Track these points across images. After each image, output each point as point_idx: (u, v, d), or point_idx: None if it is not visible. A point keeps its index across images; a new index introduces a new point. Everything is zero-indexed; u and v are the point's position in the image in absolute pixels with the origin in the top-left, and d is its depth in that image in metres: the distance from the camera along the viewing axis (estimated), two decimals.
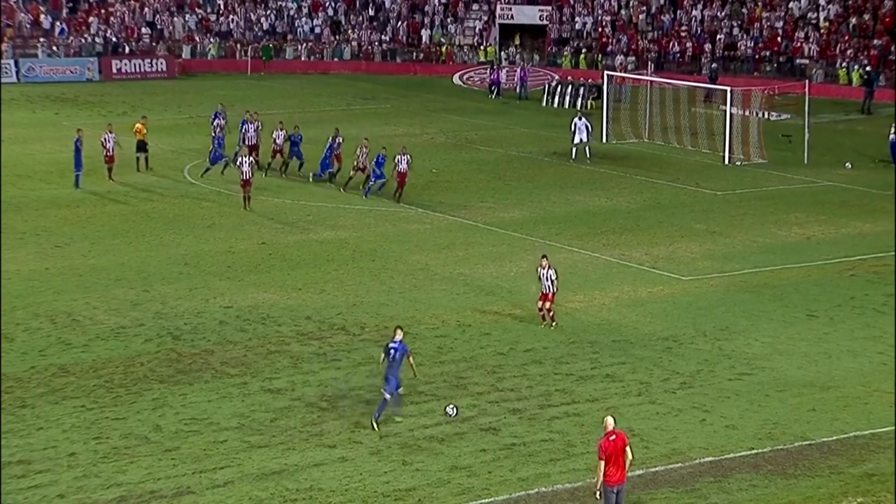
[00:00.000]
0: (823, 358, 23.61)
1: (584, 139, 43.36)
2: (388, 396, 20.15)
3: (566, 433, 19.87)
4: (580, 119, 43.91)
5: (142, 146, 40.30)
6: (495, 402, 21.27)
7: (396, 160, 36.27)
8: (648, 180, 40.36)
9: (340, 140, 38.85)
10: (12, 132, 46.84)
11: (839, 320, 25.87)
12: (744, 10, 66.31)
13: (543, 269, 25.29)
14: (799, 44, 63.21)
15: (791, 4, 65.38)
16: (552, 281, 25.22)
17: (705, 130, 46.95)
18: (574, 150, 43.40)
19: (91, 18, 66.75)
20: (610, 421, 16.39)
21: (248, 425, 20.07)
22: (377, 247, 31.61)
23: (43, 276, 28.41)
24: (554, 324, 25.28)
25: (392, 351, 20.26)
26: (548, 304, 25.39)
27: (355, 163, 37.33)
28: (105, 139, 38.55)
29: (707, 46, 64.79)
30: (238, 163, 35.77)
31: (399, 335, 20.34)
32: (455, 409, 20.53)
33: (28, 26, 66.01)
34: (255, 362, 23.06)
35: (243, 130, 40.49)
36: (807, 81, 49.74)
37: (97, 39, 65.64)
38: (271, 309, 26.23)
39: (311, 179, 38.84)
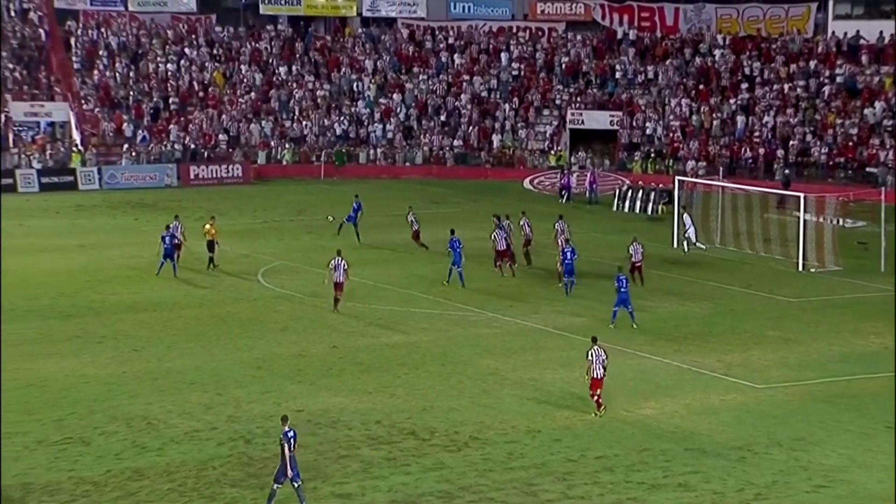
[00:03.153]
0: None
1: (692, 235, 45.66)
2: (299, 483, 20.97)
3: None
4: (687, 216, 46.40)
5: (211, 246, 41.20)
6: None
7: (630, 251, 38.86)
8: (720, 286, 40.09)
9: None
10: (93, 238, 48.18)
11: None
12: (817, 117, 66.28)
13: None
14: (874, 150, 62.87)
15: (866, 111, 65.21)
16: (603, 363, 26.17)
17: (778, 237, 46.64)
18: (686, 244, 45.71)
19: (171, 126, 68.79)
20: None
21: None
22: (447, 351, 31.69)
23: (120, 380, 28.89)
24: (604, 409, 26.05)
25: (292, 440, 21.05)
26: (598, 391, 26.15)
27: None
28: (174, 228, 41.43)
29: (780, 152, 64.72)
30: (332, 265, 35.90)
31: (287, 424, 21.22)
32: None
33: (111, 134, 68.16)
34: (325, 466, 23.11)
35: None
36: (882, 188, 49.35)
37: (176, 146, 67.54)
38: (342, 413, 26.34)
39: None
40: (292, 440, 21.22)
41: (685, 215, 46.61)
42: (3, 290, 38.00)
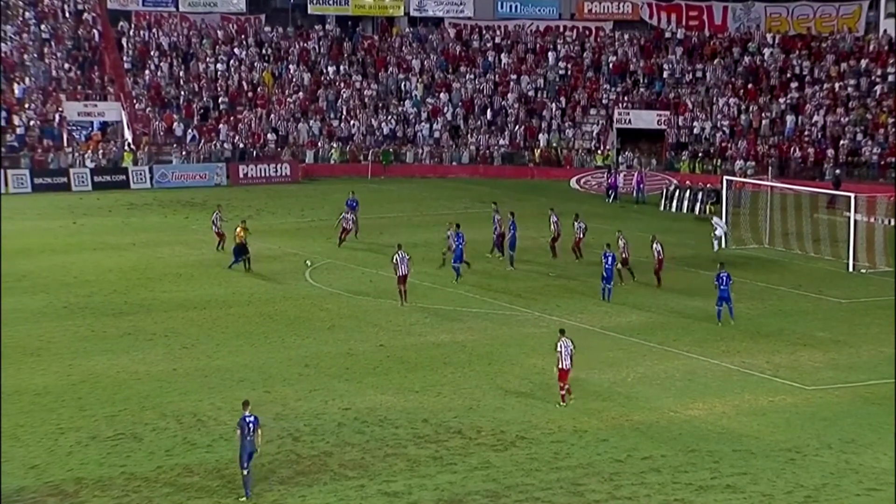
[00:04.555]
0: None
1: (723, 237, 45.78)
2: (246, 472, 21.48)
3: None
4: (716, 218, 46.72)
5: (242, 250, 41.33)
6: None
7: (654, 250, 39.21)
8: (770, 287, 39.81)
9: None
10: (144, 236, 48.74)
11: None
12: (868, 116, 65.53)
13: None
14: None
15: None
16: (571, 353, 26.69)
17: (828, 237, 46.23)
18: (716, 244, 45.83)
19: (220, 125, 69.39)
20: None
21: None
22: (493, 350, 31.76)
23: (170, 377, 29.26)
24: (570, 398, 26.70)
25: (250, 425, 21.44)
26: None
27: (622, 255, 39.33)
28: (215, 217, 44.93)
29: (829, 152, 64.07)
30: (396, 259, 36.89)
31: (248, 409, 21.80)
32: None
33: (162, 134, 68.92)
34: (372, 465, 23.27)
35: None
36: None
37: (226, 145, 68.12)
38: (389, 411, 26.49)
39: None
40: (251, 425, 21.72)
41: (715, 218, 46.35)
42: (57, 288, 38.64)
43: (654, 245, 39.37)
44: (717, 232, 45.88)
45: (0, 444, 23.77)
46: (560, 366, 26.91)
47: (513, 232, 42.69)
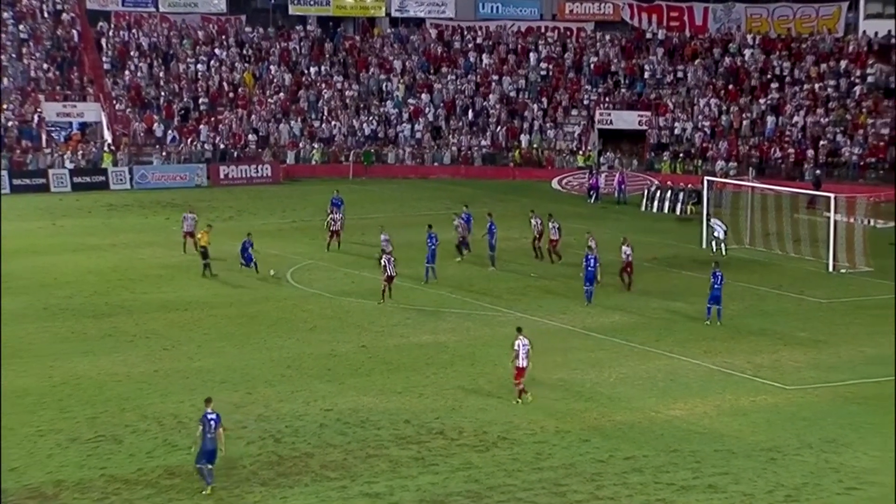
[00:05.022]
0: None
1: (722, 237, 45.66)
2: (210, 467, 21.59)
3: None
4: (715, 219, 46.58)
5: (204, 254, 40.75)
6: None
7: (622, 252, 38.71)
8: (750, 287, 39.93)
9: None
10: (124, 237, 48.54)
11: None
12: (848, 117, 65.84)
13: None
14: None
15: None
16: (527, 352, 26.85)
17: (808, 237, 46.42)
18: (714, 244, 45.78)
19: (201, 126, 69.15)
20: None
21: None
22: (476, 351, 31.75)
23: (151, 379, 29.12)
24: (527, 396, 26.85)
25: (212, 422, 21.58)
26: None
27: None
28: (185, 217, 44.24)
29: (810, 152, 64.33)
30: (383, 261, 37.34)
31: (210, 405, 21.99)
32: None
33: (142, 134, 68.62)
34: (354, 466, 23.23)
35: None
36: None
37: (206, 146, 67.90)
38: (371, 412, 26.45)
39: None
40: (213, 422, 21.81)
41: (714, 219, 46.41)
42: (37, 290, 38.42)
43: (624, 247, 38.99)
44: (716, 233, 45.91)
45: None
46: (516, 364, 27.02)
47: (491, 232, 42.59)
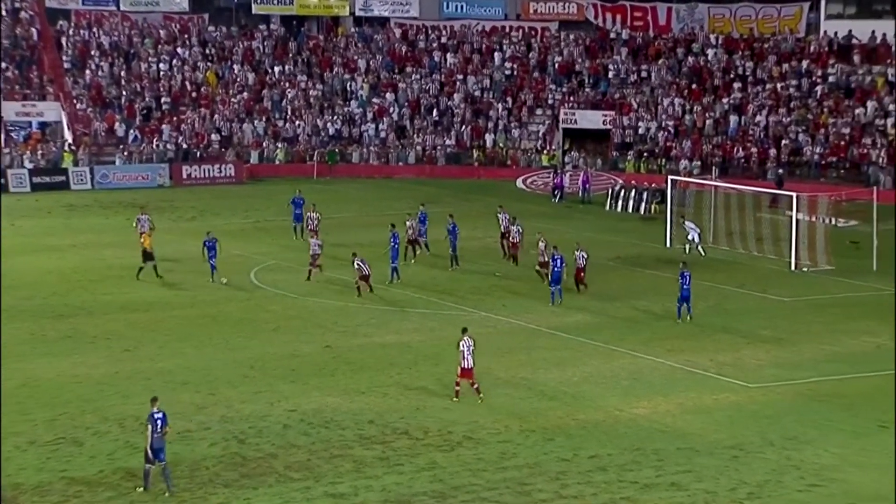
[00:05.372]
0: None
1: (696, 239, 45.59)
2: (163, 464, 21.60)
3: None
4: (689, 221, 46.51)
5: (147, 256, 40.22)
6: None
7: (576, 256, 38.10)
8: (714, 286, 40.08)
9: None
10: (85, 238, 48.08)
11: None
12: (809, 116, 66.36)
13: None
14: (866, 150, 62.95)
15: (857, 111, 65.31)
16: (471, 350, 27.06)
17: (771, 236, 46.71)
18: (687, 246, 45.63)
19: (163, 126, 68.65)
20: None
21: None
22: (440, 351, 31.66)
23: (112, 380, 28.83)
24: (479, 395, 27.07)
25: (159, 422, 21.65)
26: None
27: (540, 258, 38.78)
28: (139, 219, 42.96)
29: (772, 152, 64.77)
30: (356, 263, 37.56)
31: (156, 405, 22.02)
32: None
33: (103, 134, 68.01)
34: (318, 466, 23.10)
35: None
36: (874, 188, 49.41)
37: (168, 146, 67.40)
38: (335, 413, 26.33)
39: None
40: (159, 422, 21.82)
41: (688, 222, 46.43)
42: None
43: (578, 252, 38.41)
44: (689, 235, 45.96)
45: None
46: (462, 364, 27.14)
47: (454, 233, 42.46)
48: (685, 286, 34.72)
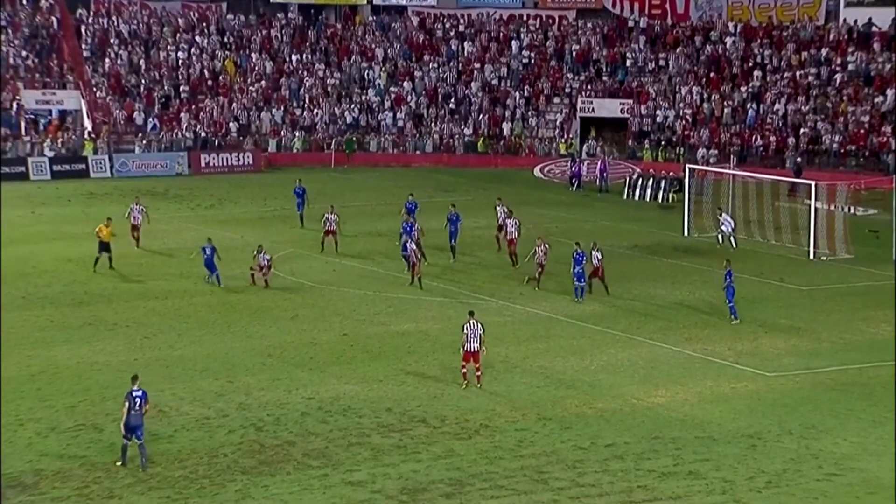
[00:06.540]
0: None
1: (730, 230, 45.12)
2: (139, 442, 22.19)
3: None
4: (725, 214, 45.93)
5: (104, 247, 39.96)
6: (576, 497, 21.08)
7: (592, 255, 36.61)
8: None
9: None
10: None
11: None
12: (828, 105, 66.02)
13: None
14: (885, 139, 62.61)
15: (877, 99, 64.93)
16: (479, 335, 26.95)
17: (789, 225, 46.54)
18: (720, 237, 45.16)
19: (182, 114, 68.83)
20: None
21: None
22: (457, 339, 31.50)
23: (132, 367, 28.76)
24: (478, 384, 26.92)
25: (137, 399, 22.00)
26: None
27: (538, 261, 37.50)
28: (132, 209, 43.19)
29: (791, 140, 64.51)
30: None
31: (136, 383, 22.41)
32: None
33: (122, 122, 68.25)
34: (335, 454, 23.19)
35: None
36: (893, 176, 49.15)
37: (187, 134, 67.57)
38: (352, 400, 26.41)
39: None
40: (139, 399, 22.23)
41: (724, 214, 45.67)
42: (16, 278, 38.17)
43: (594, 252, 36.93)
44: (723, 227, 45.45)
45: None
46: (465, 347, 27.12)
47: (455, 223, 41.77)
48: (731, 284, 33.66)
